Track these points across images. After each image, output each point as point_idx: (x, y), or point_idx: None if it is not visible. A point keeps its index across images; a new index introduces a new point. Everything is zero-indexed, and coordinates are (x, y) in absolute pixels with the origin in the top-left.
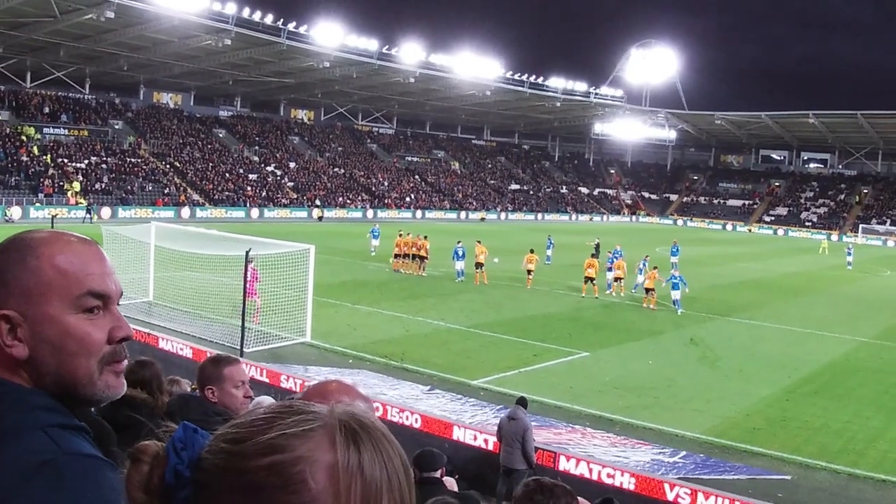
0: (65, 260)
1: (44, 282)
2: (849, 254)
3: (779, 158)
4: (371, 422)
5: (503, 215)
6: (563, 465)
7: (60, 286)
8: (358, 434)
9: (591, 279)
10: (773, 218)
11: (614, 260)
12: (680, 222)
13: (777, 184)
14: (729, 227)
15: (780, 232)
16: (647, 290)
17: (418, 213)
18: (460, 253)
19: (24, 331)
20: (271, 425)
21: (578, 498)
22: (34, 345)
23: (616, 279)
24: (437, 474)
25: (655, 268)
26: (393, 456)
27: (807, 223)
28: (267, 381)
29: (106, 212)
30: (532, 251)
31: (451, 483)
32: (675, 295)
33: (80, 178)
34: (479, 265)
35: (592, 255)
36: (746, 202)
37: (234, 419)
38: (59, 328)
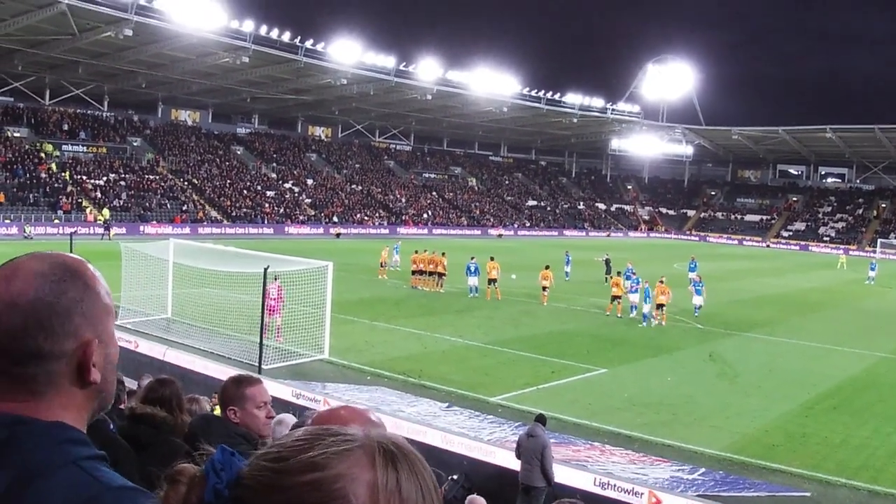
0: (105, 283)
1: (105, 305)
2: (872, 269)
3: (796, 173)
4: (406, 445)
5: (520, 232)
6: None
7: (112, 307)
8: (395, 455)
9: (618, 297)
10: (790, 233)
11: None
12: (695, 237)
13: (795, 199)
14: (747, 242)
15: (798, 247)
16: (615, 298)
17: (436, 230)
18: (472, 269)
19: (98, 355)
20: (312, 445)
21: None
22: (104, 366)
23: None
24: None
25: (619, 273)
26: (427, 478)
27: (825, 238)
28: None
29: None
30: (547, 267)
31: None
32: (698, 301)
33: (99, 195)
34: (491, 281)
35: (607, 272)
36: (764, 217)
37: (276, 440)
38: (116, 345)
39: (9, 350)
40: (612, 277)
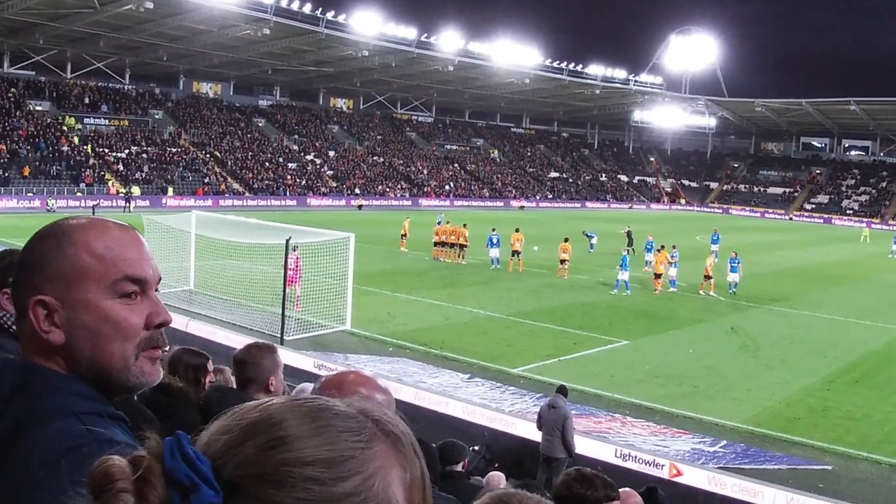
0: (101, 245)
1: (80, 267)
2: (895, 242)
3: (820, 146)
4: (405, 428)
5: (542, 203)
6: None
7: (97, 271)
8: (410, 442)
9: (659, 275)
10: (813, 206)
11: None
12: (718, 210)
13: (818, 171)
14: (769, 215)
15: (821, 220)
16: (657, 276)
17: (457, 202)
18: (495, 240)
19: (60, 316)
20: (332, 438)
21: (626, 488)
22: (70, 330)
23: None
24: (459, 467)
25: (662, 247)
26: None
27: (848, 211)
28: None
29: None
30: (566, 240)
31: (499, 477)
32: (733, 277)
33: (121, 168)
34: (515, 252)
35: (629, 244)
36: (787, 190)
37: (259, 425)
38: (96, 313)
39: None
40: (633, 251)
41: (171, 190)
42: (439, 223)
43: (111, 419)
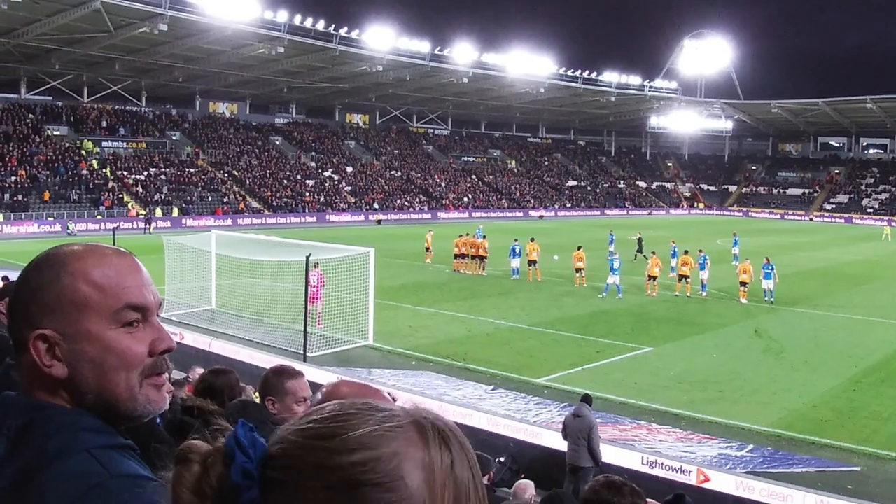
0: (100, 274)
1: (80, 298)
2: None
3: (838, 145)
4: (451, 422)
5: (561, 212)
6: None
7: (97, 301)
8: (447, 434)
9: (686, 277)
10: (833, 206)
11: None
12: (738, 213)
13: (837, 171)
14: (789, 216)
15: (842, 220)
16: (682, 277)
17: (476, 214)
18: (517, 251)
19: (62, 349)
20: (360, 421)
21: (651, 501)
22: (73, 363)
23: (682, 277)
24: (485, 480)
25: (654, 252)
26: (473, 457)
27: (868, 210)
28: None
29: (165, 222)
30: (580, 248)
31: (527, 485)
32: (768, 284)
33: (140, 190)
34: (532, 262)
35: (638, 251)
36: (806, 191)
37: (307, 415)
38: (99, 344)
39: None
40: (645, 256)
41: (175, 210)
42: (482, 236)
43: (122, 450)
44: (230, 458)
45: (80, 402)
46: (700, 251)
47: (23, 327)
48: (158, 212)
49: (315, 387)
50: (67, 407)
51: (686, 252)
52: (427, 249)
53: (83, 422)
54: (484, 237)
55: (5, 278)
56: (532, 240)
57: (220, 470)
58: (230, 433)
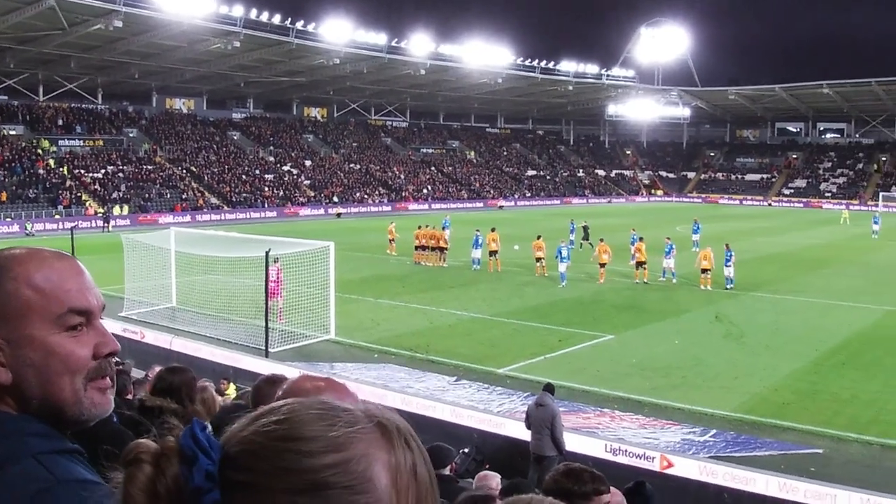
0: (42, 278)
1: (22, 303)
2: (875, 222)
3: (795, 130)
4: (406, 423)
5: (521, 202)
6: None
7: (40, 306)
8: (404, 433)
9: (642, 263)
10: (792, 190)
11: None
12: (698, 199)
13: (794, 156)
14: (748, 202)
15: (801, 204)
16: (639, 265)
17: (436, 205)
18: (479, 241)
19: (5, 355)
20: (325, 422)
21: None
22: (17, 369)
23: (639, 264)
24: (447, 470)
25: (602, 240)
26: (427, 457)
27: (826, 194)
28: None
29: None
30: (539, 237)
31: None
32: (728, 272)
33: (98, 188)
34: (492, 253)
35: (584, 238)
36: (764, 176)
37: (263, 414)
38: (43, 349)
39: None
40: (591, 244)
41: (125, 208)
42: (445, 227)
43: (69, 454)
44: (188, 458)
45: (26, 408)
46: (667, 239)
47: None
48: (117, 210)
49: None
50: (13, 413)
51: (641, 239)
52: (391, 241)
53: (29, 427)
54: (444, 228)
55: None
56: (493, 230)
57: (176, 470)
58: (185, 432)
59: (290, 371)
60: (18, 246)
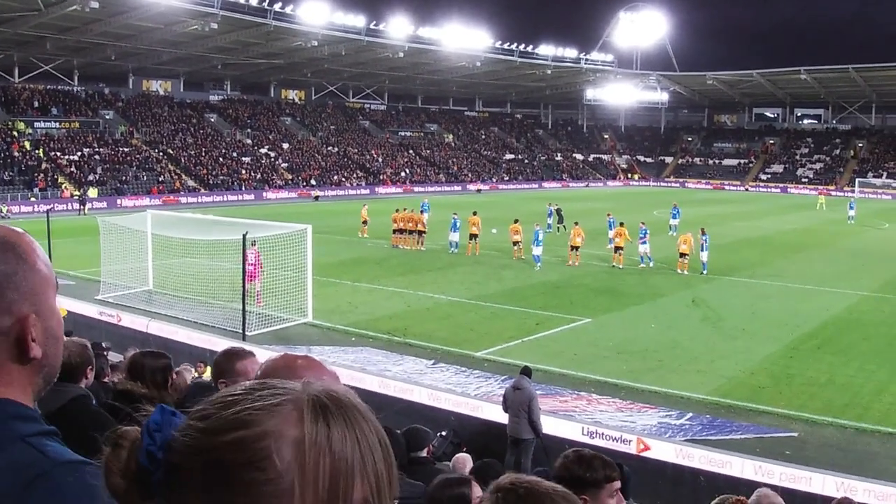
0: (41, 253)
1: (43, 278)
2: (851, 208)
3: (772, 116)
4: (347, 398)
5: (499, 186)
6: None
7: (51, 278)
8: (328, 409)
9: (620, 248)
10: (769, 176)
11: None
12: (676, 184)
13: (772, 141)
14: (725, 187)
15: (777, 189)
16: (617, 249)
17: (415, 188)
18: (457, 225)
19: (38, 330)
20: (238, 401)
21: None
22: (44, 340)
23: (617, 248)
24: (424, 453)
25: (576, 223)
26: (368, 433)
27: (803, 179)
28: None
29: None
30: (516, 221)
31: (465, 458)
32: (704, 257)
33: (74, 171)
34: (473, 236)
35: (559, 222)
36: (742, 161)
37: (209, 398)
38: (57, 319)
39: None
40: (564, 227)
41: (98, 192)
42: (425, 208)
43: (50, 435)
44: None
45: (37, 378)
46: (642, 223)
47: None
48: (92, 192)
49: None
50: None
51: (622, 224)
52: (364, 223)
53: (9, 410)
54: (423, 211)
55: None
56: (474, 213)
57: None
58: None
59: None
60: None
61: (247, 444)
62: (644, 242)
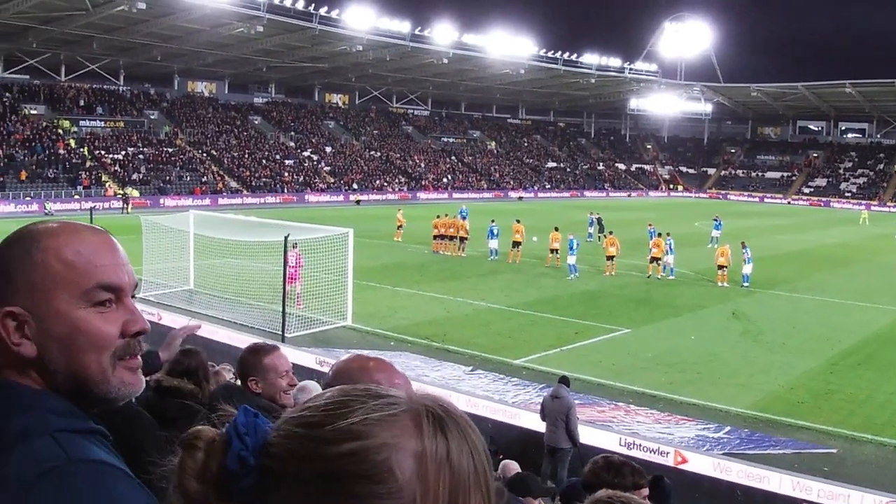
0: (72, 251)
1: (50, 275)
2: None
3: (816, 129)
4: (455, 408)
5: (540, 194)
6: None
7: (68, 279)
8: (445, 421)
9: (657, 259)
10: (811, 189)
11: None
12: (718, 196)
13: (815, 155)
14: (767, 199)
15: (820, 203)
16: (653, 260)
17: (456, 195)
18: (495, 232)
19: (31, 328)
20: (352, 409)
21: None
22: (42, 342)
23: (653, 259)
24: None
25: (660, 235)
26: (479, 444)
27: (846, 194)
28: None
29: (144, 202)
30: (556, 229)
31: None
32: (747, 269)
33: (118, 170)
34: (515, 244)
35: (599, 231)
36: (785, 174)
37: (308, 400)
38: (68, 323)
39: None
40: (604, 237)
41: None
42: (464, 214)
43: (90, 435)
44: (228, 444)
45: (51, 383)
46: (667, 234)
47: None
48: (135, 192)
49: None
50: (35, 388)
51: (660, 235)
52: (399, 227)
53: (49, 403)
54: (463, 217)
55: None
56: (517, 221)
57: (221, 457)
58: (232, 419)
59: (306, 356)
60: (54, 220)
61: (365, 455)
62: (669, 254)
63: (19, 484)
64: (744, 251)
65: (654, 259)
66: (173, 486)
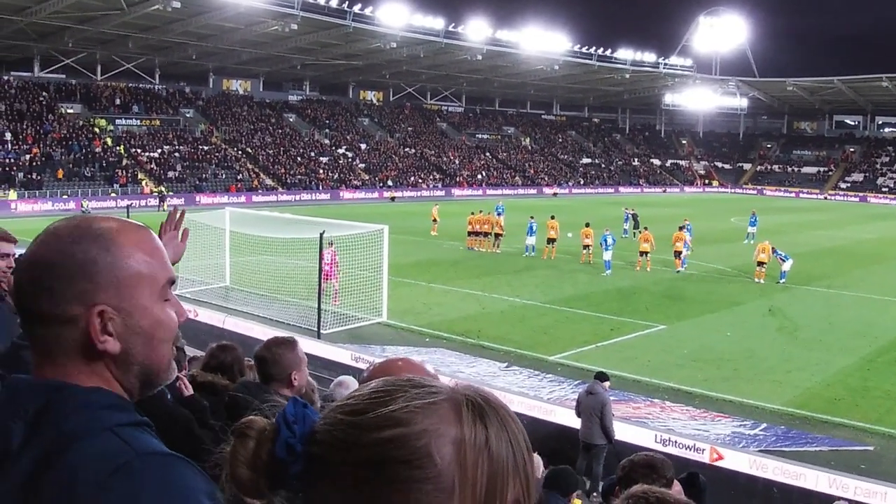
0: (148, 249)
1: (134, 273)
2: None
3: (853, 123)
4: (496, 398)
5: (575, 190)
6: None
7: (148, 276)
8: (484, 410)
9: (679, 253)
10: (848, 184)
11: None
12: (753, 191)
13: (852, 149)
14: (804, 195)
15: (857, 198)
16: (643, 254)
17: (490, 191)
18: (534, 228)
19: (116, 325)
20: (394, 397)
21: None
22: (127, 337)
23: (676, 253)
24: None
25: (646, 228)
26: (518, 434)
27: (883, 189)
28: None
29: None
30: (587, 225)
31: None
32: (786, 266)
33: (154, 168)
34: (551, 240)
35: (634, 227)
36: (821, 169)
37: (353, 391)
38: (152, 318)
39: (21, 309)
40: (639, 233)
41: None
42: (500, 211)
43: (141, 427)
44: (278, 433)
45: (125, 374)
46: (683, 225)
47: (67, 302)
48: (170, 191)
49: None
50: (83, 386)
51: (681, 228)
52: (434, 221)
53: (101, 400)
54: (499, 214)
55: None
56: (552, 217)
57: (270, 445)
58: (281, 409)
59: (342, 353)
60: (98, 216)
61: (406, 441)
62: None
63: (91, 484)
64: (774, 255)
65: (677, 253)
66: (226, 474)
